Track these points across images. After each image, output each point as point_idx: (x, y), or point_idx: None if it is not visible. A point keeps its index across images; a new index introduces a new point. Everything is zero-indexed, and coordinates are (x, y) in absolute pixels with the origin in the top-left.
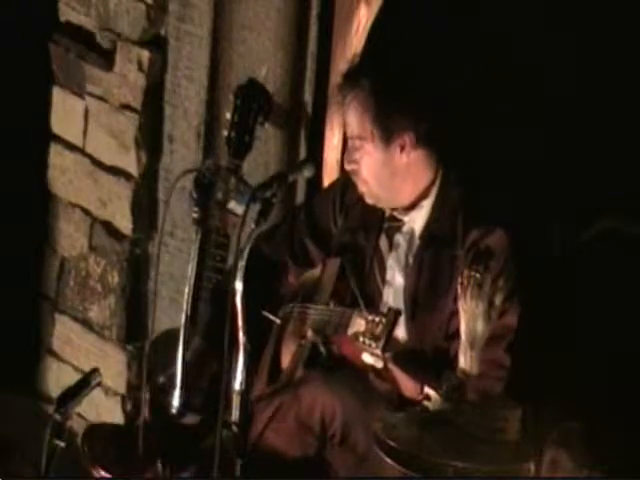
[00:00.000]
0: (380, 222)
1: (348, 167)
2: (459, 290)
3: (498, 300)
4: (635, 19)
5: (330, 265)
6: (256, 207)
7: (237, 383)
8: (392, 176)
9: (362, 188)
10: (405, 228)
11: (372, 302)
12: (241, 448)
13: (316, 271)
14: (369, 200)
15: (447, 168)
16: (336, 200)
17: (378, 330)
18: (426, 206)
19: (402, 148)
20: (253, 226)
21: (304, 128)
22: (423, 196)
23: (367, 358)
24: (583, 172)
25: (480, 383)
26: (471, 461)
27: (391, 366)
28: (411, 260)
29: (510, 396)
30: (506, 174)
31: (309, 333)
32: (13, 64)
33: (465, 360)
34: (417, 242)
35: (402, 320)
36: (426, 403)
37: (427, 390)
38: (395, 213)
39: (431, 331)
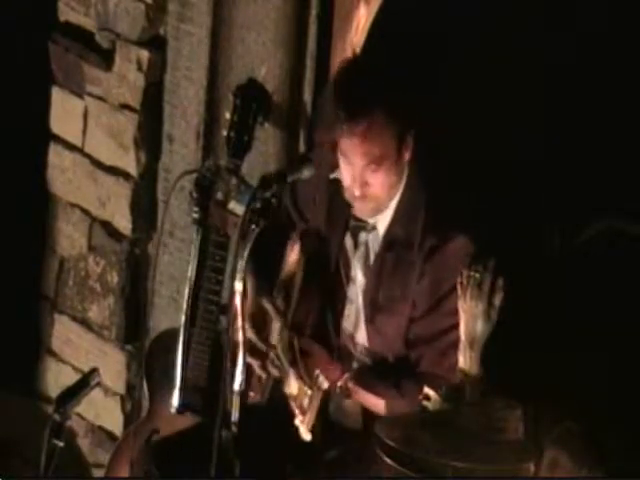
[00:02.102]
0: (346, 220)
1: (361, 193)
2: (459, 290)
3: (497, 300)
4: (635, 18)
5: (294, 254)
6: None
7: (237, 383)
8: (400, 179)
9: (369, 205)
10: (369, 227)
11: (337, 299)
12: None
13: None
14: (365, 214)
15: (412, 168)
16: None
17: (305, 403)
18: (391, 207)
19: (407, 147)
20: (253, 226)
21: (303, 128)
22: (391, 197)
23: (298, 422)
24: (582, 172)
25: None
26: (471, 461)
27: (352, 386)
28: (372, 260)
29: (510, 396)
30: (504, 174)
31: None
32: (13, 64)
33: (464, 360)
34: (380, 242)
35: (362, 323)
36: (426, 403)
37: (427, 390)
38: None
39: (389, 335)
